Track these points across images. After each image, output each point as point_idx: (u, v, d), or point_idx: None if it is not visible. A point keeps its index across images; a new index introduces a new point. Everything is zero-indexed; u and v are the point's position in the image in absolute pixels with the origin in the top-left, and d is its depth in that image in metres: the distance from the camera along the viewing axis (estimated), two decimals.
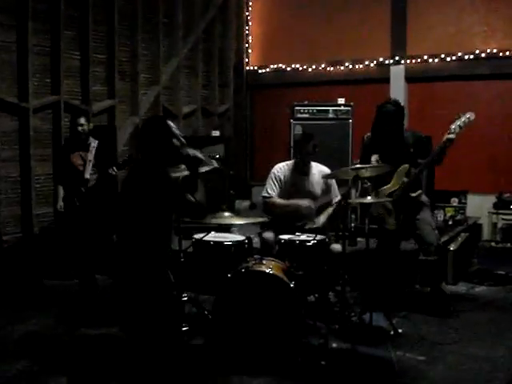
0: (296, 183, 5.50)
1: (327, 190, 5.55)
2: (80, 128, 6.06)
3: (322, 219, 5.36)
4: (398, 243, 5.61)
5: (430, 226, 5.39)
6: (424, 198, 5.48)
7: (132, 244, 3.82)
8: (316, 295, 5.05)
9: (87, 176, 6.02)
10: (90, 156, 6.03)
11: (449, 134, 5.12)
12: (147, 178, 3.83)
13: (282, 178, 5.54)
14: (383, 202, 5.30)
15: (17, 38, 6.80)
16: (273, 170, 5.61)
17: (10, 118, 6.79)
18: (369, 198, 4.86)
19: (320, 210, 5.47)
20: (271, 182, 5.56)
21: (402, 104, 5.45)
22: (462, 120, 5.14)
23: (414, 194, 5.34)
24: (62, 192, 6.19)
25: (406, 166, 5.26)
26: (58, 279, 6.55)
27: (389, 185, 5.31)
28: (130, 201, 3.84)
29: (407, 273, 5.97)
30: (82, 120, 6.10)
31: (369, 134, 5.55)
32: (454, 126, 5.12)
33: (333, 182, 5.58)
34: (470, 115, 5.17)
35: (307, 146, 5.43)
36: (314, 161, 5.57)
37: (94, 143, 6.09)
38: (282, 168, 5.60)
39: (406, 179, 5.27)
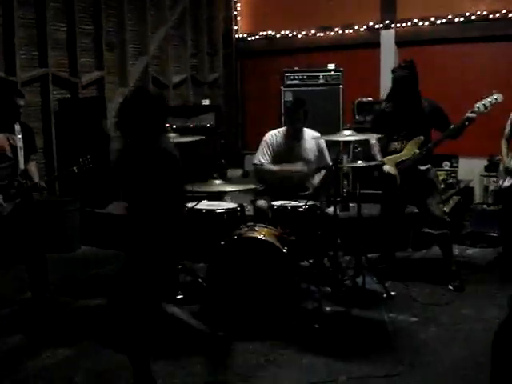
0: (289, 149, 5.51)
1: (320, 155, 5.56)
2: (20, 110, 4.80)
3: (316, 180, 5.40)
4: (403, 209, 5.58)
5: (436, 200, 5.29)
6: (432, 172, 5.36)
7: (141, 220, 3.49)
8: (309, 260, 5.09)
9: (22, 167, 4.81)
10: (19, 142, 4.80)
11: (471, 112, 5.03)
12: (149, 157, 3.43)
13: (275, 144, 5.55)
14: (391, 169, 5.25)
15: (2, 10, 6.72)
16: (264, 138, 5.61)
17: None
18: (359, 162, 4.87)
19: (313, 173, 5.50)
20: (263, 149, 5.56)
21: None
22: (488, 100, 5.04)
23: (422, 168, 5.23)
24: None
25: (421, 137, 5.15)
26: None
27: (400, 153, 5.25)
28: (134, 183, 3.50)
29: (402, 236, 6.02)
30: (22, 102, 4.79)
31: (383, 100, 5.43)
32: (478, 105, 5.03)
33: (324, 147, 5.59)
34: (497, 96, 5.06)
35: (298, 113, 5.42)
36: (306, 127, 5.57)
37: (17, 126, 4.85)
38: (273, 135, 5.59)
39: (417, 151, 5.17)
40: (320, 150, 5.57)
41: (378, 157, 5.30)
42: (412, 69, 5.16)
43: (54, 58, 7.29)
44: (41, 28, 7.12)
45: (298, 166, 5.37)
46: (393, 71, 5.29)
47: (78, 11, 7.52)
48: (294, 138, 5.53)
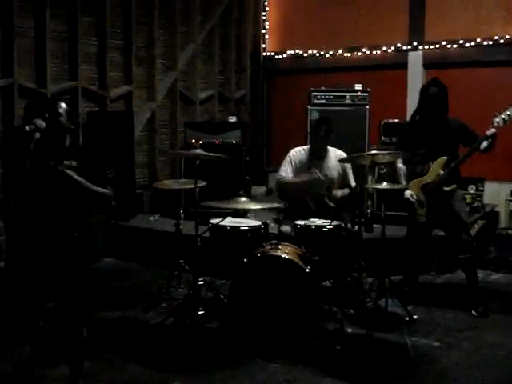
0: (311, 167, 5.51)
1: (344, 175, 5.56)
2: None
3: (338, 193, 5.40)
4: (429, 233, 5.52)
5: (462, 222, 5.24)
6: (458, 193, 5.32)
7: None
8: (332, 280, 5.07)
9: None
10: None
11: (491, 127, 4.98)
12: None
13: (298, 161, 5.57)
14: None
15: (35, 23, 6.84)
16: (289, 154, 5.65)
17: None
18: (384, 183, 4.86)
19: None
20: (286, 164, 5.60)
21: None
22: (508, 113, 4.98)
23: (447, 189, 5.18)
24: None
25: (444, 158, 5.11)
26: None
27: (424, 176, 5.22)
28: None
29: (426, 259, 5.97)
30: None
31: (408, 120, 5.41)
32: (497, 119, 4.99)
33: (349, 167, 5.59)
34: None
35: (320, 129, 5.44)
36: (331, 146, 5.58)
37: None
38: (297, 152, 5.63)
39: (442, 172, 5.13)
40: (344, 169, 5.57)
41: (404, 182, 5.28)
42: (442, 87, 5.16)
43: (84, 71, 7.40)
44: (72, 41, 7.24)
45: (315, 175, 5.36)
46: (425, 88, 5.26)
47: (110, 26, 7.63)
48: (317, 156, 5.54)
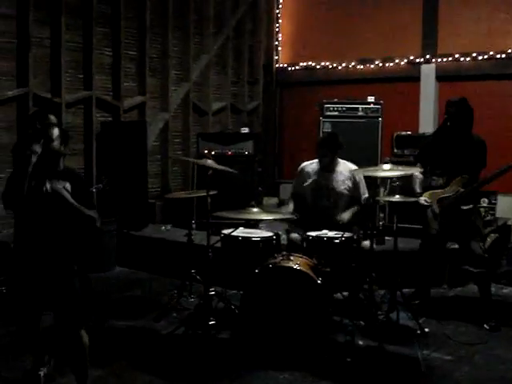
0: (320, 181, 5.53)
1: (355, 187, 5.55)
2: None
3: (346, 216, 5.37)
4: (443, 246, 5.50)
5: (477, 238, 5.21)
6: (475, 211, 5.29)
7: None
8: (343, 292, 5.06)
9: None
10: None
11: None
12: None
13: (306, 175, 5.62)
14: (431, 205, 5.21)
15: (50, 33, 6.92)
16: (299, 168, 5.72)
17: None
18: (397, 196, 4.85)
19: (346, 207, 5.48)
20: (296, 178, 5.72)
21: (434, 103, 5.32)
22: None
23: (465, 207, 5.16)
24: None
25: (466, 176, 5.09)
26: None
27: (443, 189, 5.20)
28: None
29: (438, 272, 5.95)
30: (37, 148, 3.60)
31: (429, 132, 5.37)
32: None
33: (361, 179, 5.58)
34: None
35: (321, 151, 5.48)
36: (342, 158, 5.59)
37: None
38: (307, 165, 5.68)
39: (462, 189, 5.11)
40: (355, 182, 5.55)
41: (418, 190, 5.27)
42: (465, 105, 5.17)
43: (98, 81, 7.47)
44: (87, 52, 7.31)
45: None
46: (448, 103, 5.24)
47: (124, 37, 7.70)
48: (326, 169, 5.55)
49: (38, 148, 3.55)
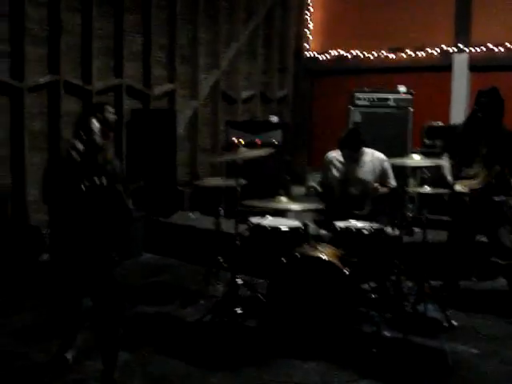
0: (346, 170, 5.52)
1: (383, 175, 5.50)
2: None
3: (380, 189, 5.41)
4: (472, 238, 5.44)
5: (507, 230, 5.17)
6: (507, 203, 5.21)
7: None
8: (370, 283, 5.04)
9: None
10: None
11: None
12: None
13: (332, 164, 5.61)
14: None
15: (82, 21, 6.97)
16: (324, 157, 5.71)
17: (74, 99, 6.96)
18: (427, 188, 4.80)
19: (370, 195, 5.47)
20: (323, 168, 5.71)
21: (466, 93, 5.26)
22: None
23: (497, 199, 5.11)
24: None
25: (498, 167, 5.04)
26: None
27: (475, 180, 5.14)
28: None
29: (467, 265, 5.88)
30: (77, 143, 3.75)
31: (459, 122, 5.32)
32: None
33: (389, 167, 5.53)
34: None
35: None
36: (369, 147, 5.56)
37: None
38: (333, 155, 5.65)
39: (493, 181, 5.06)
40: (383, 170, 5.52)
41: (449, 178, 5.21)
42: (496, 96, 5.11)
43: (128, 68, 7.51)
44: (117, 39, 7.35)
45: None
46: (479, 94, 5.19)
47: (154, 24, 7.72)
48: (351, 160, 5.52)
49: (77, 144, 3.61)
